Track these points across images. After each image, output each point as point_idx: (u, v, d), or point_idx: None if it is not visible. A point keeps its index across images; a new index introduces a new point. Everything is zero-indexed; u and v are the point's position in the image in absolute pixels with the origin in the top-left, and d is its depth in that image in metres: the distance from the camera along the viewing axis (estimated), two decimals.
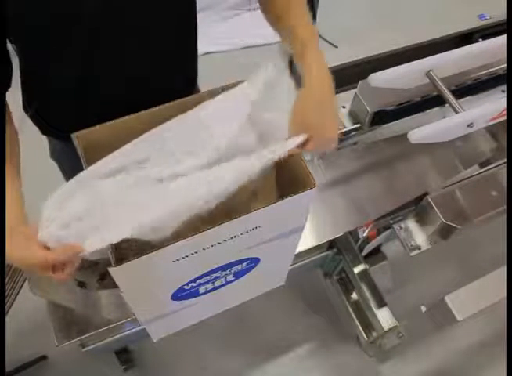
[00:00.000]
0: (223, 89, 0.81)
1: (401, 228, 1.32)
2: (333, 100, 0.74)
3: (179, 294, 0.88)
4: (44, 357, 1.62)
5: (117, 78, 0.89)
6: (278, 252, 0.95)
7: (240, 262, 0.88)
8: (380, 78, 1.09)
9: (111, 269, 0.67)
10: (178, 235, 0.68)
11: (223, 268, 0.86)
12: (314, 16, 1.07)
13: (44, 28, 0.76)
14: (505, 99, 1.07)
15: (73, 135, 0.78)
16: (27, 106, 0.95)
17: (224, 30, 2.60)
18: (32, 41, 0.79)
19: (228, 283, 0.94)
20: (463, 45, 1.17)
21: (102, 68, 0.86)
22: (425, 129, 1.02)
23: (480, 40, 1.42)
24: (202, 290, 0.91)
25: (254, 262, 0.91)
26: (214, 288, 0.93)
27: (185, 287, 0.86)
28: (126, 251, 0.78)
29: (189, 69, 1.02)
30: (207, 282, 0.88)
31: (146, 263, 0.70)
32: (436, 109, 1.40)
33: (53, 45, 0.80)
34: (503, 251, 1.03)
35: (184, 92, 0.84)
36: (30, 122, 0.97)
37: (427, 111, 1.40)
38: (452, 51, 1.14)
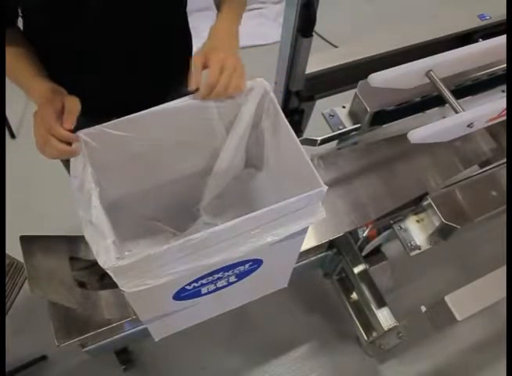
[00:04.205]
0: None
1: (401, 228, 1.32)
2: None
3: (181, 294, 0.88)
4: (44, 357, 1.62)
5: (117, 52, 0.91)
6: (280, 254, 0.95)
7: (243, 263, 0.88)
8: (380, 78, 1.09)
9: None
10: None
11: (225, 269, 0.86)
12: (314, 16, 1.07)
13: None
14: (505, 99, 1.06)
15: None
16: None
17: None
18: (38, 14, 0.84)
19: (230, 284, 0.94)
20: (463, 45, 1.16)
21: (103, 41, 0.89)
22: (425, 129, 1.02)
23: (480, 40, 1.42)
24: (204, 290, 0.91)
25: (257, 263, 0.91)
26: (217, 289, 0.93)
27: (188, 287, 0.86)
28: None
29: (183, 44, 1.07)
30: (210, 282, 0.88)
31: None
32: (436, 109, 1.40)
33: (58, 19, 0.84)
34: (503, 251, 1.03)
35: (180, 67, 0.93)
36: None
37: (427, 111, 1.40)
38: (452, 51, 1.14)
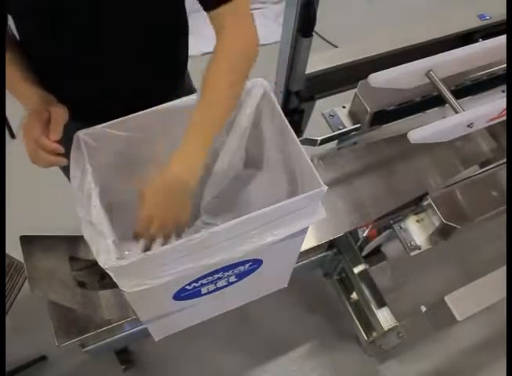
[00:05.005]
0: None
1: (401, 228, 1.32)
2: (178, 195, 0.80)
3: (181, 294, 0.88)
4: (44, 357, 1.62)
5: (116, 55, 0.90)
6: (280, 254, 0.95)
7: (243, 263, 0.88)
8: (380, 78, 1.09)
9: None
10: None
11: (225, 269, 0.86)
12: (314, 16, 1.07)
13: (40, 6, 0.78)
14: (505, 99, 1.06)
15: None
16: None
17: None
18: (30, 17, 0.82)
19: (230, 284, 0.94)
20: (463, 45, 1.16)
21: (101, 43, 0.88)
22: (425, 129, 1.02)
23: (480, 40, 1.42)
24: (204, 290, 0.91)
25: (257, 263, 0.91)
26: (217, 289, 0.93)
27: (188, 287, 0.86)
28: None
29: (183, 44, 1.05)
30: (210, 282, 0.88)
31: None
32: (436, 109, 1.40)
33: (49, 20, 0.82)
34: (503, 251, 1.03)
35: (179, 67, 0.92)
36: None
37: (427, 111, 1.40)
38: (452, 51, 1.14)
